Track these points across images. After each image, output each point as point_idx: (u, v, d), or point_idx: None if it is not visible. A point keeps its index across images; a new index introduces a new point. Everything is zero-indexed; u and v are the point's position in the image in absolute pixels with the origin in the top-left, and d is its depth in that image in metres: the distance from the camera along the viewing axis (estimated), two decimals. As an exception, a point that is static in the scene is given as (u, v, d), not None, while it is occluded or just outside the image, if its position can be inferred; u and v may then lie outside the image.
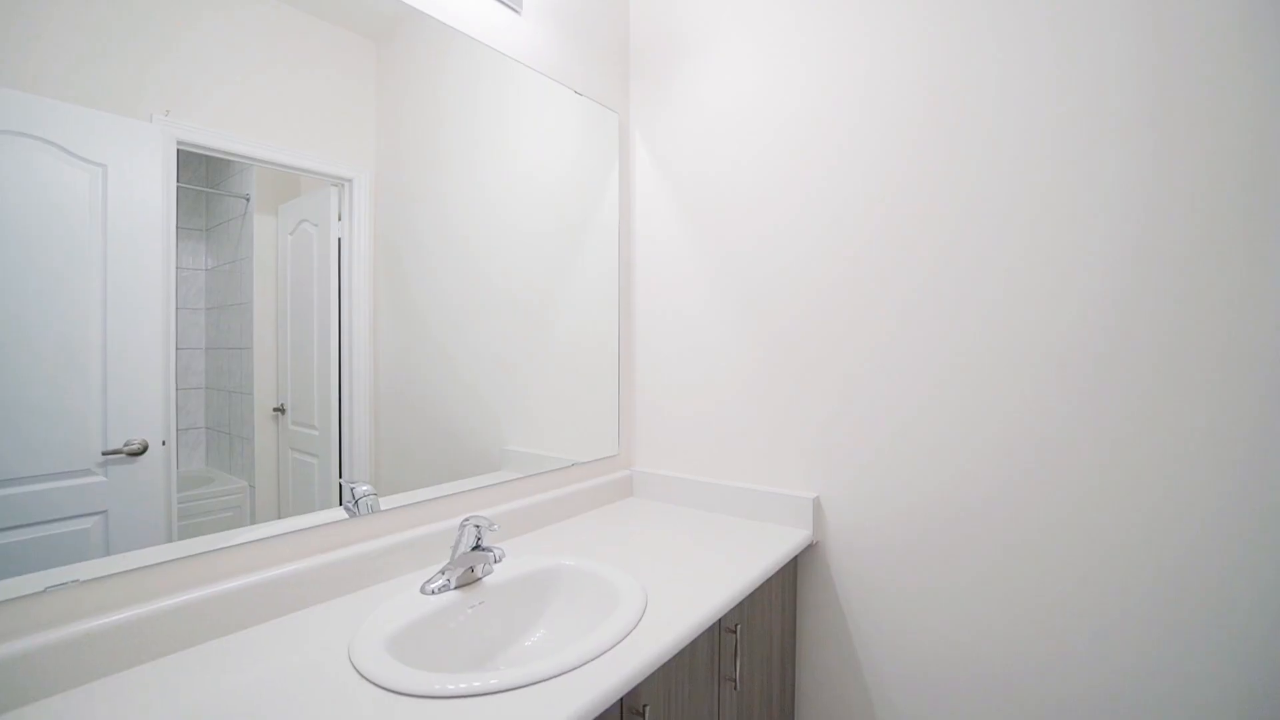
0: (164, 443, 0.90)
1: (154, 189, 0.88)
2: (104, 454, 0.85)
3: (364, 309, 1.16)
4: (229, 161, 0.97)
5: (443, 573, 1.06)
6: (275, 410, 1.04)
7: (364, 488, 1.18)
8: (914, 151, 1.31)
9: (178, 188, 0.91)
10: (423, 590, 1.04)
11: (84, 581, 0.81)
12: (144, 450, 0.88)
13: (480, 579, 1.10)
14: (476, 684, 0.78)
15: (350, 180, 1.13)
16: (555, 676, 0.81)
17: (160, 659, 0.85)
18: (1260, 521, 1.01)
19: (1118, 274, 1.11)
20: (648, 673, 0.86)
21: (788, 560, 1.32)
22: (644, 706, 0.89)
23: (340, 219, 1.12)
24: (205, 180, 0.95)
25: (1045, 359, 1.18)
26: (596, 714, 0.77)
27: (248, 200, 1.00)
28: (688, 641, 0.96)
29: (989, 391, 1.24)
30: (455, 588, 1.06)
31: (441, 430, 1.30)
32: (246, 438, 1.00)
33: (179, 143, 0.91)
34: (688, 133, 1.66)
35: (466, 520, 1.06)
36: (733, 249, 1.59)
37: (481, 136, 1.38)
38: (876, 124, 1.36)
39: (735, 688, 1.17)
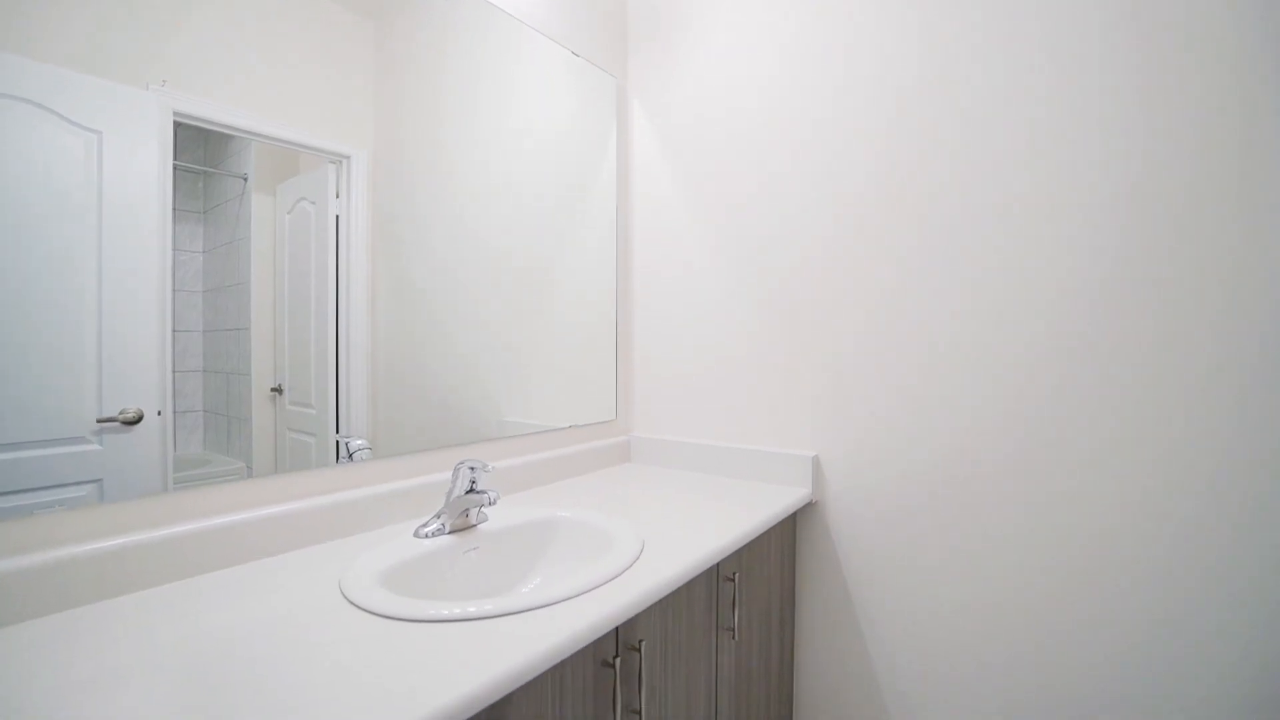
0: (159, 413, 0.89)
1: (150, 159, 0.87)
2: (99, 421, 0.83)
3: (361, 285, 1.15)
4: (227, 141, 0.96)
5: (437, 517, 1.05)
6: (273, 390, 1.03)
7: (358, 442, 1.17)
8: (906, 110, 1.31)
9: (176, 166, 0.90)
10: (416, 534, 1.03)
11: (71, 508, 0.80)
12: (139, 419, 0.87)
13: (475, 526, 1.09)
14: (471, 609, 0.77)
15: (348, 157, 1.12)
16: (550, 604, 0.80)
17: (146, 590, 0.83)
18: (1272, 471, 1.00)
19: (1118, 223, 1.10)
20: (644, 605, 0.85)
21: (786, 515, 1.31)
22: (640, 642, 0.88)
23: (338, 196, 1.11)
24: (203, 160, 0.94)
25: (1045, 315, 1.17)
26: (591, 640, 0.76)
27: (245, 180, 0.99)
28: (685, 581, 0.94)
29: (990, 349, 1.23)
30: (449, 533, 1.05)
31: (439, 404, 1.29)
32: (244, 419, 0.99)
33: (176, 113, 0.90)
34: (686, 98, 1.65)
35: (460, 464, 1.05)
36: (730, 211, 1.58)
37: (480, 105, 1.37)
38: (869, 84, 1.35)
39: (734, 637, 1.16)
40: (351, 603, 0.80)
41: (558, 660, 0.71)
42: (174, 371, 0.90)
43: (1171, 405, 1.07)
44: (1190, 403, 1.05)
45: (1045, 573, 1.18)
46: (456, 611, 0.76)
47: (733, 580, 1.14)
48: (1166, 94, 1.06)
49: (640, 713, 0.88)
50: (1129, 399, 1.10)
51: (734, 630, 1.15)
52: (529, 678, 0.67)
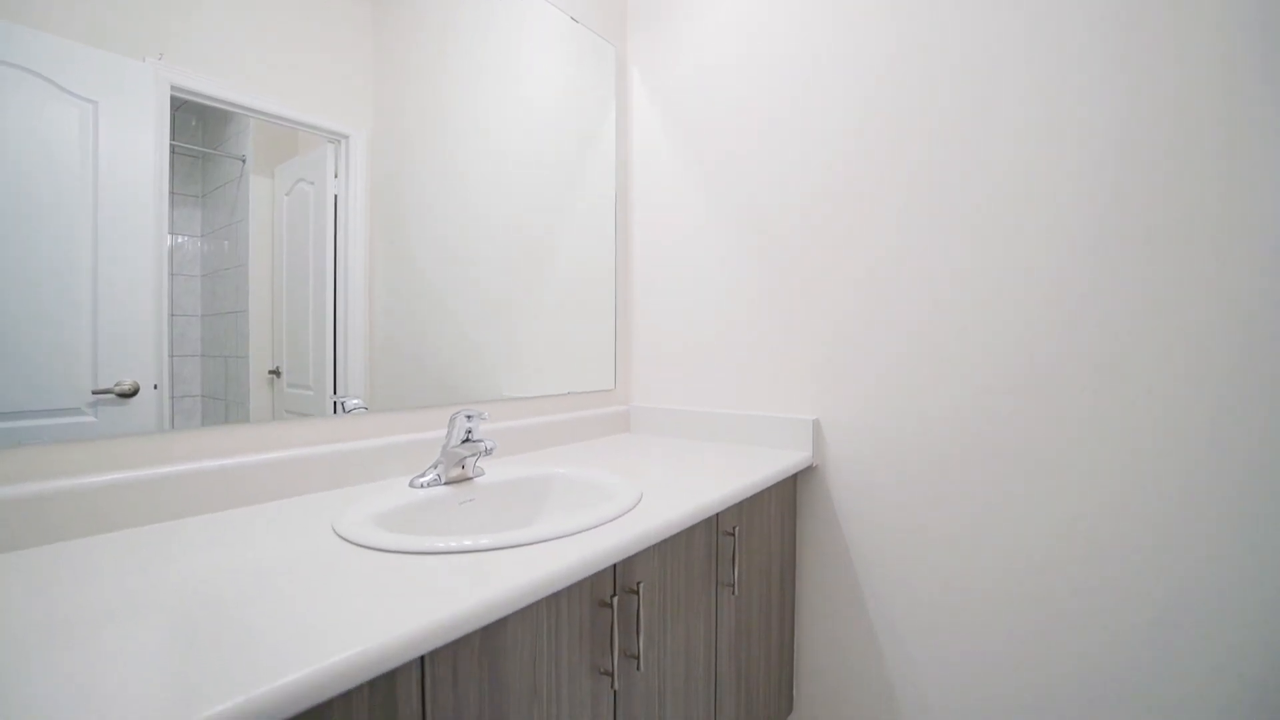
0: (155, 386, 0.88)
1: (147, 132, 0.86)
2: (94, 393, 0.82)
3: (359, 264, 1.14)
4: (225, 123, 0.95)
5: (434, 467, 1.04)
6: (271, 373, 1.02)
7: (354, 401, 1.16)
8: (897, 68, 1.30)
9: (174, 148, 0.89)
10: (411, 485, 1.02)
11: (61, 442, 0.79)
12: (135, 392, 0.86)
13: (472, 479, 1.08)
14: (467, 542, 0.76)
15: (347, 136, 1.11)
16: (546, 540, 0.79)
17: (138, 528, 0.82)
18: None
19: (1112, 169, 1.09)
20: (642, 545, 0.84)
21: (786, 476, 1.29)
22: (638, 584, 0.87)
23: (336, 176, 1.10)
24: (201, 141, 0.93)
25: (1046, 276, 1.16)
26: (588, 574, 0.75)
27: (244, 162, 0.98)
28: (683, 527, 0.93)
29: (991, 310, 1.22)
30: (445, 484, 1.04)
31: (436, 380, 1.28)
32: (242, 402, 0.98)
33: (173, 87, 0.89)
34: (685, 65, 1.64)
35: (457, 413, 1.04)
36: (728, 177, 1.57)
37: (481, 75, 1.36)
38: (860, 46, 1.34)
39: (734, 593, 1.15)
40: (344, 539, 0.79)
41: (553, 590, 0.70)
42: (171, 356, 0.89)
43: (1173, 367, 1.05)
44: (1192, 362, 1.04)
45: (1046, 543, 1.17)
46: (453, 545, 0.75)
47: (732, 535, 1.13)
48: (1158, 44, 1.05)
49: (638, 658, 0.87)
50: (1131, 363, 1.09)
51: (734, 586, 1.13)
52: (522, 604, 0.66)
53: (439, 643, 0.57)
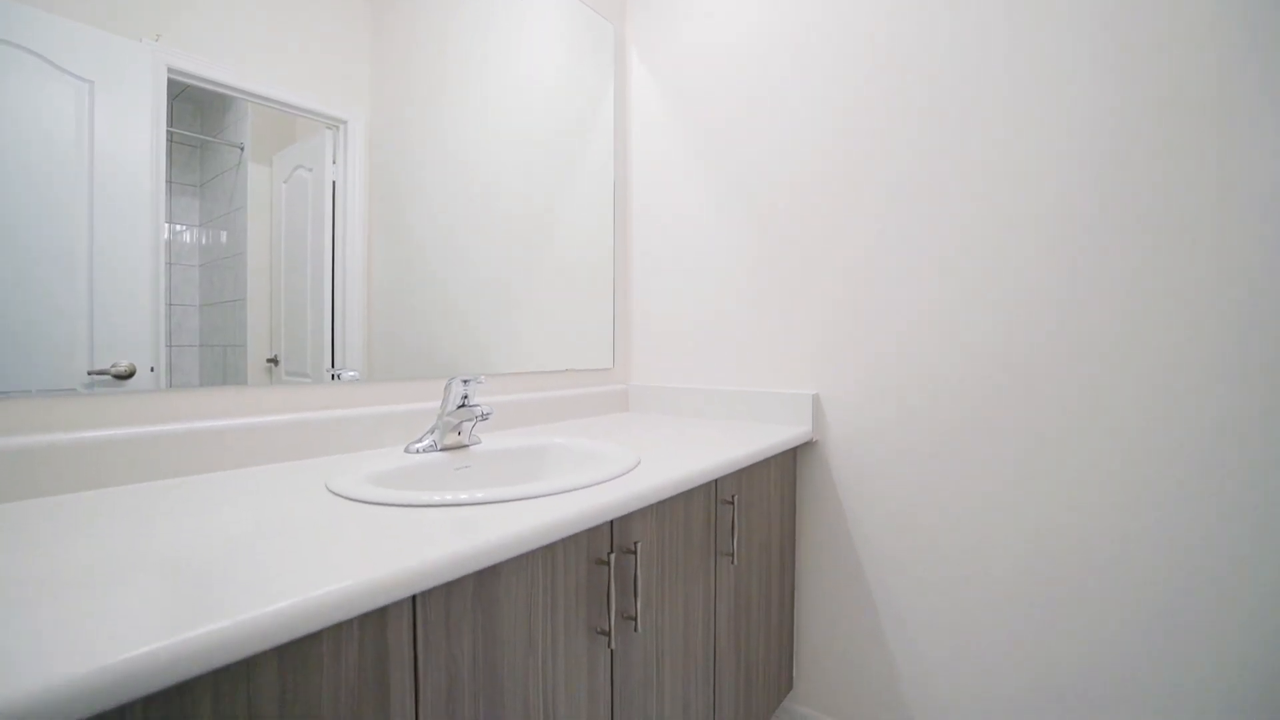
0: (152, 369, 0.87)
1: (144, 113, 0.85)
2: (90, 374, 0.82)
3: (358, 249, 1.13)
4: (223, 111, 0.95)
5: (430, 433, 1.03)
6: (269, 361, 1.02)
7: (350, 374, 1.15)
8: (889, 52, 1.29)
9: (172, 135, 0.88)
10: (407, 450, 1.01)
11: (50, 393, 0.78)
12: (131, 374, 0.85)
13: (468, 446, 1.07)
14: (463, 496, 0.75)
15: (345, 122, 1.11)
16: (541, 496, 0.78)
17: (122, 486, 0.82)
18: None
19: (1109, 149, 1.08)
20: (640, 504, 0.83)
21: (786, 449, 1.28)
22: (635, 544, 0.86)
23: (335, 162, 1.10)
24: (200, 128, 0.92)
25: (1046, 248, 1.15)
26: (584, 527, 0.74)
27: (242, 149, 0.97)
28: (681, 490, 0.92)
29: (987, 286, 1.21)
30: (441, 449, 1.03)
31: (435, 366, 1.27)
32: (239, 392, 0.97)
33: (170, 69, 0.88)
34: (683, 44, 1.64)
35: (452, 379, 1.03)
36: (727, 152, 1.56)
37: (480, 56, 1.35)
38: (857, 27, 1.34)
39: (733, 562, 1.14)
40: (337, 494, 0.78)
41: (548, 541, 0.69)
42: (169, 346, 0.89)
43: (1176, 355, 1.04)
44: (1195, 351, 1.03)
45: (1045, 530, 1.16)
46: (448, 498, 0.74)
47: (731, 503, 1.12)
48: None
49: (636, 619, 0.86)
50: (1132, 350, 1.08)
51: (733, 556, 1.12)
52: (517, 551, 0.65)
53: (430, 584, 0.56)
